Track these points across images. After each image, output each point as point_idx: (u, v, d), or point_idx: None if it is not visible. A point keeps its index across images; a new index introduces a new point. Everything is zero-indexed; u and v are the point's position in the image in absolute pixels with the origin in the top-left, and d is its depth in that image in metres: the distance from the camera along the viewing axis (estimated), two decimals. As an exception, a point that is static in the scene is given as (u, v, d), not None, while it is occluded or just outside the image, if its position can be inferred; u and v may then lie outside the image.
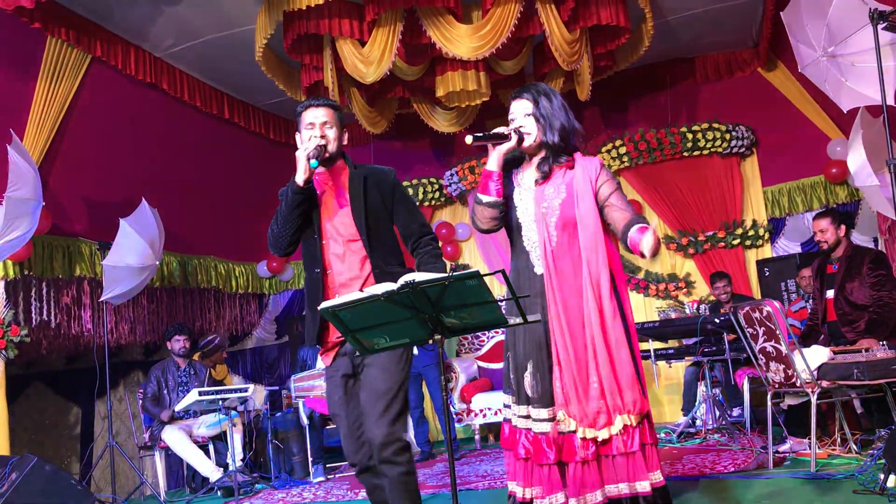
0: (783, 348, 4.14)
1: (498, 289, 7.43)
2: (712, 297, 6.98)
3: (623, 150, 7.58)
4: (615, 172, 7.77)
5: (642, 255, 2.68)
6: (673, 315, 7.17)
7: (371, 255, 2.86)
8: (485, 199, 2.86)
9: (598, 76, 6.83)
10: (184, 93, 6.56)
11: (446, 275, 2.17)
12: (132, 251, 5.99)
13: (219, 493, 5.85)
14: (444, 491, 4.84)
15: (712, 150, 7.43)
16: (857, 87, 4.58)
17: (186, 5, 5.64)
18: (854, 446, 4.37)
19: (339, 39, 5.70)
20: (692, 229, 7.58)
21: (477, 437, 7.09)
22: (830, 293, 4.98)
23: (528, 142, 2.89)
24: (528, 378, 2.81)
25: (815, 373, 4.07)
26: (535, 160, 2.95)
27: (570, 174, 2.89)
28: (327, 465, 6.34)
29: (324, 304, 2.28)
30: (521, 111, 2.92)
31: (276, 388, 7.79)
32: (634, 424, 2.71)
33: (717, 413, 5.87)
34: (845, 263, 4.90)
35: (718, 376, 6.43)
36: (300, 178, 2.79)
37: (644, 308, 7.65)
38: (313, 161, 2.77)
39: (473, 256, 8.53)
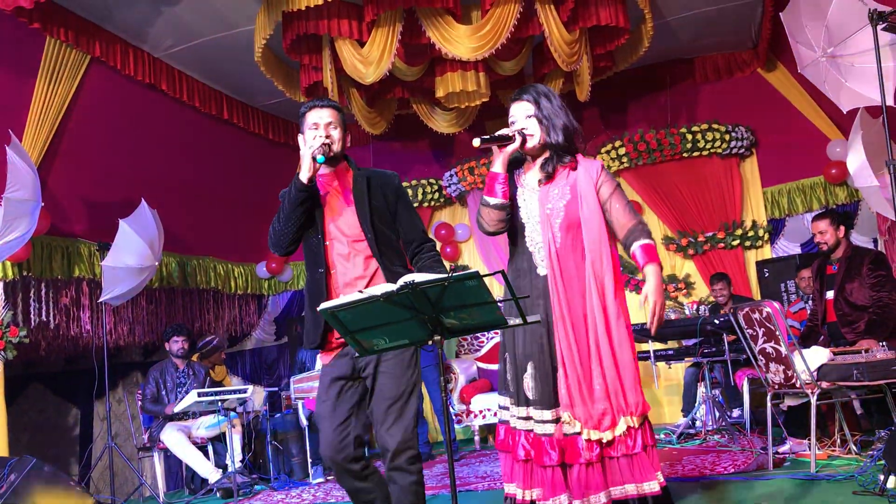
0: (783, 349, 4.14)
1: (497, 290, 7.42)
2: (712, 299, 6.98)
3: (622, 150, 7.58)
4: (615, 173, 7.77)
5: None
6: (672, 316, 7.16)
7: (378, 255, 2.86)
8: (491, 201, 2.86)
9: (598, 77, 6.82)
10: (183, 93, 6.55)
11: (446, 275, 2.16)
12: (131, 252, 5.99)
13: (218, 494, 5.84)
14: (444, 492, 4.83)
15: (712, 150, 7.43)
16: (857, 88, 4.58)
17: (185, 6, 5.63)
18: (854, 447, 4.37)
19: (338, 40, 5.70)
20: (692, 230, 7.58)
21: (476, 438, 7.09)
22: (830, 294, 4.98)
23: (531, 143, 2.89)
24: (527, 379, 2.81)
25: (815, 374, 4.07)
26: (538, 161, 2.95)
27: (574, 175, 2.89)
28: (326, 467, 6.33)
29: (323, 305, 2.27)
30: (522, 113, 2.92)
31: (276, 389, 7.78)
32: (637, 426, 2.71)
33: (717, 414, 5.87)
34: (845, 264, 4.90)
35: (718, 377, 6.43)
36: (304, 175, 2.79)
37: (643, 309, 7.64)
38: (320, 157, 2.76)
39: (473, 257, 8.52)
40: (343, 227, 2.90)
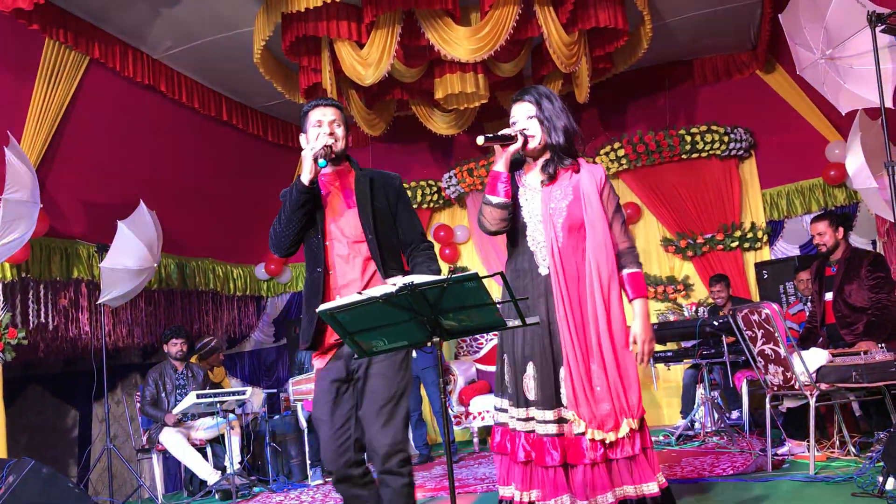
0: (782, 351, 4.14)
1: (497, 291, 7.41)
2: (711, 300, 6.98)
3: (622, 152, 7.58)
4: (614, 175, 7.79)
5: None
6: (672, 317, 7.18)
7: (377, 257, 2.85)
8: (494, 199, 2.86)
9: (597, 78, 6.83)
10: (182, 95, 6.55)
11: (445, 277, 2.16)
12: (130, 253, 5.99)
13: (216, 495, 5.83)
14: (443, 494, 4.83)
15: (711, 152, 7.43)
16: (856, 90, 4.58)
17: (184, 7, 5.63)
18: (853, 449, 4.37)
19: (337, 41, 5.70)
20: (691, 232, 7.58)
21: (475, 439, 7.08)
22: (829, 296, 4.98)
23: (532, 144, 2.90)
24: (527, 380, 2.80)
25: (814, 375, 4.07)
26: (539, 162, 2.95)
27: (576, 177, 2.90)
28: (325, 470, 6.32)
29: (322, 307, 2.27)
30: (523, 114, 2.92)
31: (275, 390, 7.78)
32: (637, 428, 2.72)
33: (716, 416, 5.87)
34: (844, 266, 4.90)
35: (717, 379, 6.43)
36: (306, 177, 2.78)
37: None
38: (321, 160, 2.76)
39: (472, 259, 8.52)
40: (344, 228, 2.89)
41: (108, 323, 6.55)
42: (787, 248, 7.52)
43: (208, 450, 6.27)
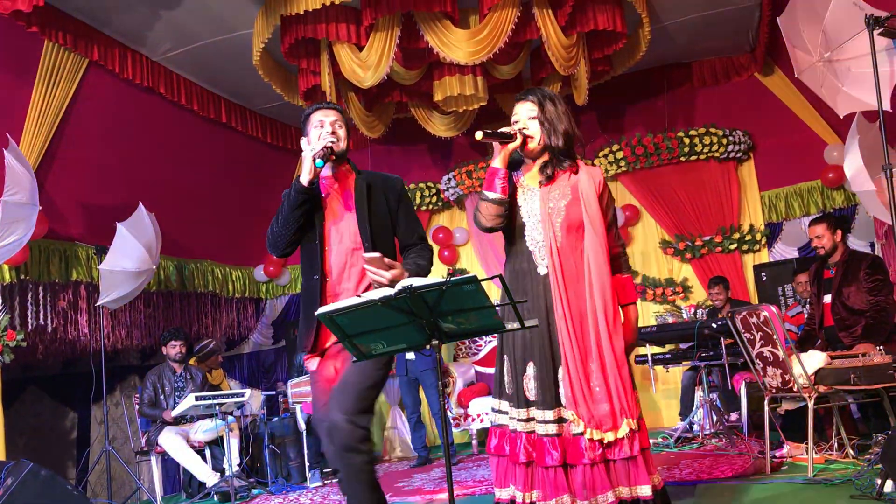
0: (780, 353, 4.15)
1: (495, 293, 7.42)
2: (709, 302, 6.99)
3: (620, 154, 7.59)
4: (612, 177, 7.80)
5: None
6: (670, 320, 7.18)
7: None
8: (490, 195, 2.87)
9: (596, 81, 6.84)
10: (181, 97, 6.55)
11: (444, 280, 2.16)
12: (129, 255, 5.99)
13: (215, 498, 5.83)
14: (441, 496, 4.83)
15: (709, 154, 7.44)
16: (854, 93, 4.59)
17: (184, 10, 5.63)
18: (851, 451, 4.38)
19: (336, 44, 5.71)
20: (689, 234, 7.59)
21: (474, 441, 7.08)
22: (827, 298, 4.98)
23: (530, 144, 2.91)
24: (527, 380, 2.81)
25: (812, 378, 4.07)
26: (538, 163, 2.96)
27: (575, 178, 2.91)
28: (324, 470, 6.33)
29: (321, 310, 2.27)
30: (525, 113, 2.94)
31: (273, 392, 7.78)
32: (636, 429, 2.72)
33: (715, 418, 5.87)
34: (842, 268, 4.90)
35: (716, 381, 6.43)
36: (305, 178, 2.79)
37: (641, 313, 7.63)
38: (319, 161, 2.77)
39: (471, 261, 8.52)
40: (343, 233, 2.90)
41: (107, 325, 6.54)
42: (785, 250, 7.53)
43: (207, 452, 6.27)
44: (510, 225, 2.96)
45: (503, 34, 5.46)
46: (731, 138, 7.41)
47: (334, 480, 6.19)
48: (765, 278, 7.28)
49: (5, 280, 5.61)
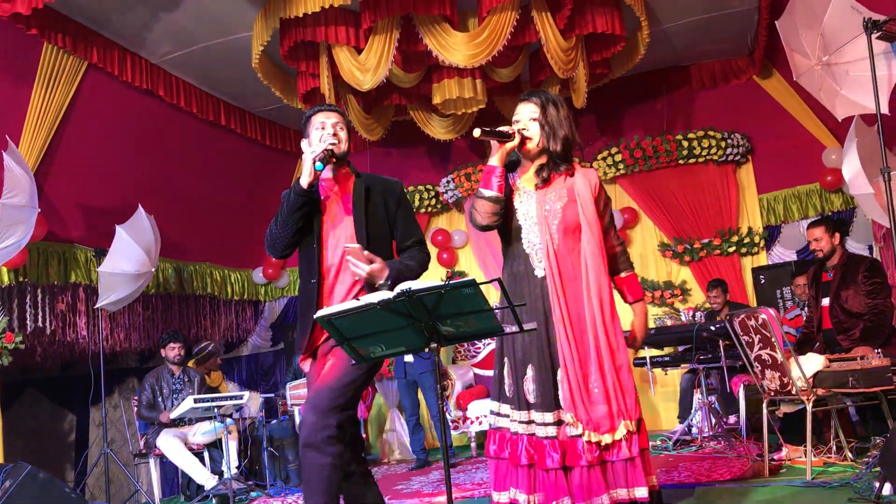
0: (779, 356, 4.15)
1: (494, 294, 7.42)
2: (708, 305, 6.99)
3: (619, 157, 7.59)
4: (611, 180, 7.80)
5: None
6: (669, 322, 7.18)
7: None
8: (486, 193, 2.87)
9: (594, 84, 6.84)
10: (180, 99, 6.56)
11: (442, 283, 2.17)
12: (128, 258, 5.99)
13: (214, 500, 5.82)
14: (440, 498, 4.83)
15: (708, 157, 7.45)
16: (852, 96, 4.60)
17: (183, 12, 5.64)
18: (849, 454, 4.37)
19: (335, 47, 5.71)
20: (688, 237, 7.59)
21: (473, 444, 7.08)
22: (826, 301, 4.99)
23: (529, 145, 2.91)
24: (527, 383, 2.81)
25: (811, 380, 4.08)
26: (534, 166, 2.96)
27: (571, 180, 2.93)
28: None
29: (320, 313, 2.28)
30: (527, 114, 2.94)
31: (272, 395, 7.77)
32: (635, 430, 2.73)
33: (713, 420, 5.87)
34: (840, 271, 4.91)
35: (714, 384, 6.43)
36: (304, 180, 2.80)
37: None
38: (318, 164, 2.77)
39: (470, 263, 8.53)
40: (340, 235, 2.90)
41: (106, 327, 6.54)
42: (784, 253, 7.53)
43: (205, 454, 6.27)
44: (507, 227, 2.96)
45: (502, 37, 5.47)
46: (729, 141, 7.42)
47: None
48: (763, 281, 7.29)
49: (4, 282, 5.61)
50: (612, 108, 8.05)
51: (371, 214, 2.91)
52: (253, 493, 6.03)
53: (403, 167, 8.54)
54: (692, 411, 6.20)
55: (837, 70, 4.60)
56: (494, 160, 2.89)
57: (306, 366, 2.98)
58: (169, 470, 6.87)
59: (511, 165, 3.03)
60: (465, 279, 2.17)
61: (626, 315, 2.97)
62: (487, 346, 7.72)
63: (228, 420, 6.06)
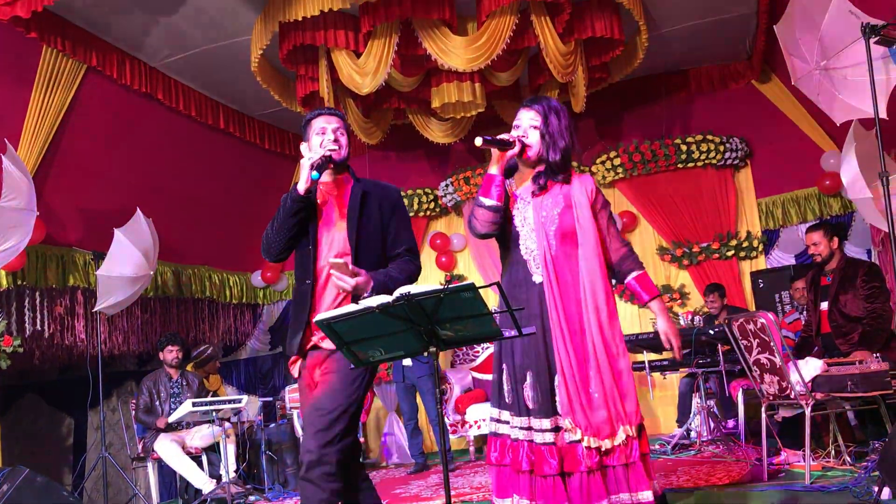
0: (777, 360, 4.15)
1: (493, 300, 7.42)
2: (706, 309, 6.99)
3: (617, 161, 7.60)
4: (609, 184, 7.81)
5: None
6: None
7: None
8: (486, 202, 2.87)
9: (593, 88, 6.86)
10: (179, 103, 6.56)
11: (441, 287, 2.17)
12: (126, 261, 5.98)
13: (212, 504, 5.82)
14: (438, 503, 4.82)
15: (706, 161, 7.46)
16: (850, 101, 4.60)
17: (182, 16, 5.65)
18: (848, 458, 4.37)
19: (334, 50, 5.72)
20: (686, 241, 7.60)
21: (471, 448, 7.07)
22: (824, 305, 4.99)
23: (528, 152, 2.91)
24: (527, 389, 2.81)
25: (809, 385, 4.08)
26: (532, 172, 2.97)
27: (567, 187, 2.93)
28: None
29: (319, 316, 2.28)
30: (528, 121, 2.94)
31: (270, 398, 7.76)
32: (634, 435, 2.72)
33: (712, 425, 5.87)
34: (839, 275, 4.91)
35: (713, 388, 6.43)
36: (301, 186, 2.79)
37: (638, 319, 7.66)
38: (314, 173, 2.76)
39: (468, 267, 8.52)
40: (333, 240, 2.90)
41: (104, 330, 6.53)
42: (782, 257, 7.54)
43: (203, 458, 6.25)
44: (505, 234, 2.96)
45: (501, 41, 5.48)
46: (728, 145, 7.43)
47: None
48: (762, 285, 7.29)
49: (2, 286, 5.61)
50: (611, 112, 8.06)
51: (365, 220, 2.89)
52: (251, 497, 6.03)
53: (402, 171, 8.54)
54: (691, 415, 6.20)
55: (836, 74, 4.61)
56: (494, 169, 2.89)
57: (295, 370, 2.98)
58: (167, 474, 6.85)
59: (509, 171, 3.03)
60: (465, 283, 2.17)
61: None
62: (486, 350, 7.72)
63: (227, 424, 6.06)
